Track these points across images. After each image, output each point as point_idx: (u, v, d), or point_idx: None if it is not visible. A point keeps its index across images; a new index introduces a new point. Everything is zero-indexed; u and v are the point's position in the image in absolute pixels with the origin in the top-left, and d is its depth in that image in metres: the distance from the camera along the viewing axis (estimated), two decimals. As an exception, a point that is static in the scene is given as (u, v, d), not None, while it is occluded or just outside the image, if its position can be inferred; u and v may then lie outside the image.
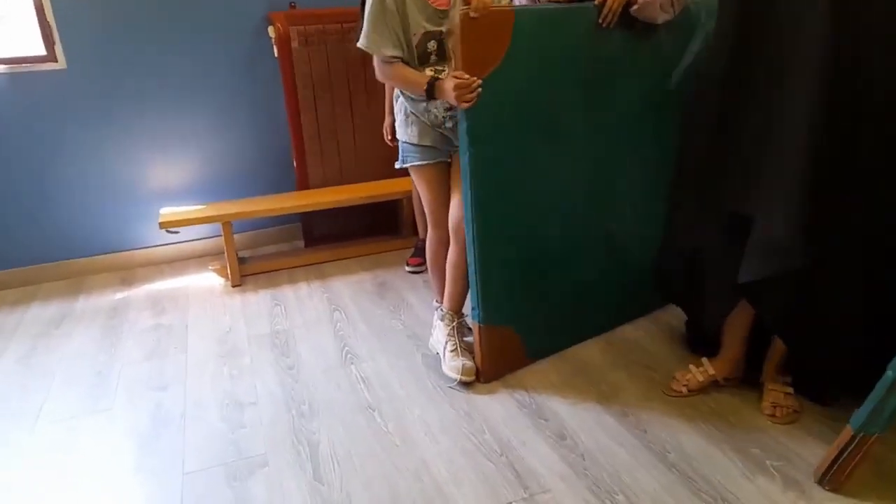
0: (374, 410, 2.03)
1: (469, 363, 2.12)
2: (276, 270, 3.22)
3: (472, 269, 2.06)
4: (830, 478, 1.60)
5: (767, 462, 1.70)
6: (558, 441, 1.84)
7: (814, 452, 1.72)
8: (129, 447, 1.94)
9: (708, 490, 1.62)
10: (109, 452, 1.93)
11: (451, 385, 2.12)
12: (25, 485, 1.81)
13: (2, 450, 1.97)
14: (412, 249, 3.19)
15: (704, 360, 2.02)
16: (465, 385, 2.11)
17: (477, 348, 2.13)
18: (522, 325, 2.18)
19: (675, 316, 2.36)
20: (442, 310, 2.26)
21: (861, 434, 1.53)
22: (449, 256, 2.21)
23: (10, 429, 2.07)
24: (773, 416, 1.86)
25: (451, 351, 2.18)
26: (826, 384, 1.90)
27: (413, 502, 1.65)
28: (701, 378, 1.99)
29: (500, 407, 2.01)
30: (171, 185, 3.35)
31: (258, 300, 2.91)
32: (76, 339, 2.65)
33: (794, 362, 1.91)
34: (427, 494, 1.67)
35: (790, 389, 1.89)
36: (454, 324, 2.22)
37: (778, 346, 1.91)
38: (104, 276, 3.30)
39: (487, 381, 2.14)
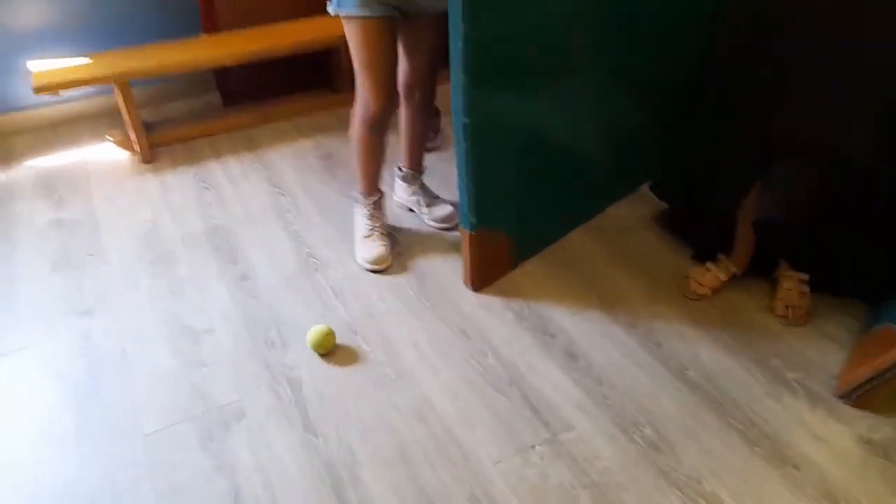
0: (356, 333, 1.78)
1: (383, 251, 1.97)
2: (193, 139, 2.70)
3: (462, 169, 1.72)
4: (862, 396, 1.52)
5: (789, 375, 1.63)
6: (570, 363, 1.68)
7: (829, 359, 1.66)
8: (64, 401, 1.61)
9: (736, 414, 1.54)
10: (39, 408, 1.59)
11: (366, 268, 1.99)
12: (-60, 463, 1.48)
13: None
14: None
15: (722, 257, 1.88)
16: (377, 272, 1.98)
17: (467, 257, 1.86)
18: (512, 225, 1.91)
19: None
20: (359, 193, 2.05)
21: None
22: (405, 123, 2.03)
23: None
24: (784, 316, 1.77)
25: (365, 237, 2.01)
26: (847, 280, 1.81)
27: (424, 453, 1.47)
28: (724, 277, 1.87)
29: (497, 322, 1.80)
30: (41, 28, 2.62)
31: (180, 183, 2.44)
32: (-45, 246, 2.14)
33: (810, 260, 1.79)
34: (438, 441, 1.49)
35: (806, 288, 1.79)
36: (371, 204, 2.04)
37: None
38: (-30, 151, 2.66)
39: (479, 289, 1.90)
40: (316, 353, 1.70)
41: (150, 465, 1.46)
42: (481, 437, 1.50)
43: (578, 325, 1.79)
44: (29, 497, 1.39)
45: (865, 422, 1.51)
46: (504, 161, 1.77)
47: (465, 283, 1.92)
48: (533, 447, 1.48)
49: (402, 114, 2.02)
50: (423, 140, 2.12)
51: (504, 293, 1.90)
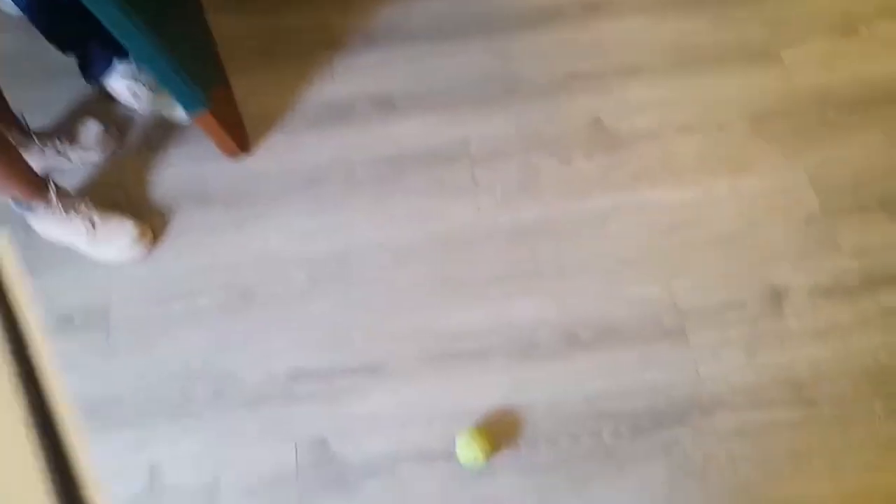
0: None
1: (132, 225, 1.50)
2: None
3: (153, 52, 1.27)
4: None
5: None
6: (389, 112, 1.65)
7: None
8: None
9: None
10: None
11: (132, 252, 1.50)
12: None
13: None
14: None
15: None
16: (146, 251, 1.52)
17: (218, 133, 1.53)
18: (213, 73, 1.57)
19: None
20: (28, 205, 1.42)
21: None
22: None
23: None
24: None
25: (93, 229, 1.48)
26: None
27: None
28: None
29: (319, 146, 1.61)
30: None
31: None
32: None
33: None
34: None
35: None
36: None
37: None
38: None
39: (249, 148, 1.64)
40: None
41: None
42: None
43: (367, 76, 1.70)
44: None
45: None
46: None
47: (232, 157, 1.63)
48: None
49: None
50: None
51: (271, 129, 1.67)
